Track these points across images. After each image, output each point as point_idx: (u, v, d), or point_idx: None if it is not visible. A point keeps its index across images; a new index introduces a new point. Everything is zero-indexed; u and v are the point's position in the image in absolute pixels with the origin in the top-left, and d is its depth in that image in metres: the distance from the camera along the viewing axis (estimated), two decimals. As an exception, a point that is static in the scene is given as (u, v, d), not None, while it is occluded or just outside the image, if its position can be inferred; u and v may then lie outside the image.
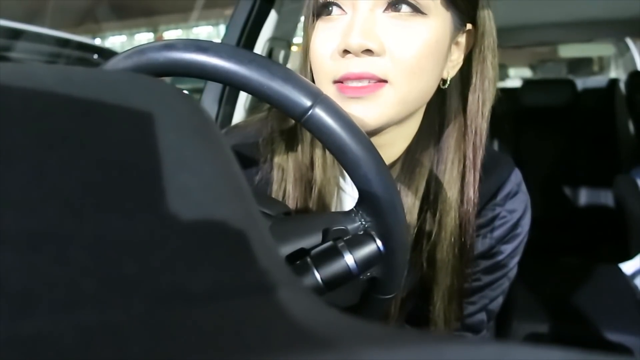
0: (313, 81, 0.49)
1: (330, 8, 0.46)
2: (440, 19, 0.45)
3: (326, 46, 0.46)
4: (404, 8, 0.44)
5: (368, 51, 0.43)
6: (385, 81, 0.44)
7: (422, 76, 0.46)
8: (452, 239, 0.53)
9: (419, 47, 0.44)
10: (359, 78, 0.44)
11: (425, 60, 0.45)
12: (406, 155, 0.53)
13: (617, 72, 3.04)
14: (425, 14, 0.44)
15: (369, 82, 0.44)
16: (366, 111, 0.44)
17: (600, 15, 1.81)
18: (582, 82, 2.39)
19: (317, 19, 0.47)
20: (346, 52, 0.44)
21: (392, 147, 0.52)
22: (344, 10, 0.46)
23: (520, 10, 1.65)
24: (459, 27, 0.48)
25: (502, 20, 0.52)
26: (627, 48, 2.55)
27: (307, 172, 0.53)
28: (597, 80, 2.58)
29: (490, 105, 0.53)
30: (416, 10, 0.44)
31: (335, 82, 0.45)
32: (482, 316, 0.59)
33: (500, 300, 0.60)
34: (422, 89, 0.47)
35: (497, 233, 0.56)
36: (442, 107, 0.52)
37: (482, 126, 0.53)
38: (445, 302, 0.55)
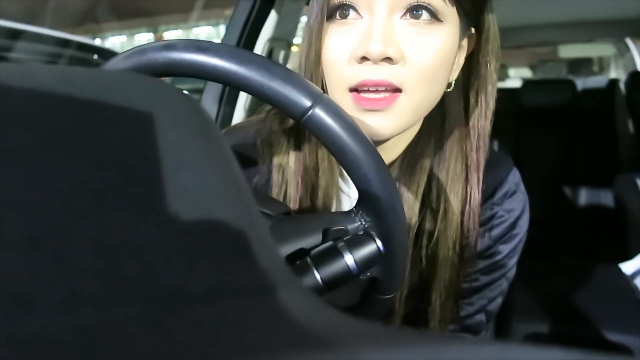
0: (323, 87, 0.47)
1: (345, 11, 0.44)
2: (453, 25, 0.45)
3: (341, 51, 0.44)
4: (423, 15, 0.43)
5: (387, 59, 0.42)
6: (399, 90, 0.43)
7: (435, 84, 0.46)
8: (455, 237, 0.53)
9: (435, 56, 0.44)
10: (376, 85, 0.43)
11: (440, 68, 0.45)
12: (405, 154, 0.53)
13: (617, 72, 3.04)
14: (442, 21, 0.44)
15: (385, 91, 0.43)
16: (382, 122, 0.44)
17: (600, 16, 1.81)
18: (582, 82, 2.39)
19: (328, 22, 0.45)
20: (364, 58, 0.42)
21: (394, 149, 0.52)
22: (359, 14, 0.44)
23: (520, 10, 1.65)
24: (464, 32, 0.48)
25: (502, 20, 0.51)
26: (627, 48, 2.55)
27: (307, 173, 0.52)
28: (597, 81, 2.58)
29: (493, 107, 0.53)
30: (434, 17, 0.43)
31: (351, 90, 0.44)
32: (482, 317, 0.59)
33: (499, 301, 0.60)
34: (433, 95, 0.47)
35: (495, 232, 0.56)
36: (442, 107, 0.52)
37: (486, 128, 0.53)
38: (443, 300, 0.55)
